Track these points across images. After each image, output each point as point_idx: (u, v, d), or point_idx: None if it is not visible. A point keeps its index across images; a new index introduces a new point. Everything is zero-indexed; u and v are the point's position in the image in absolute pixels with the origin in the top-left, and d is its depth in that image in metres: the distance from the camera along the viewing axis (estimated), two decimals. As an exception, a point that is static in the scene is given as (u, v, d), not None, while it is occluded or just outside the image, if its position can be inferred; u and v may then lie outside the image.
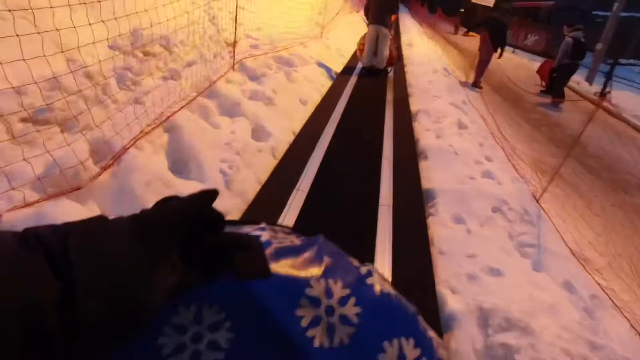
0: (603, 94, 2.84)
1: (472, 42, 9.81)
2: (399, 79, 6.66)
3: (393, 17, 6.46)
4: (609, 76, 8.37)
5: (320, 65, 5.75)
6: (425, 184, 3.08)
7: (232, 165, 2.51)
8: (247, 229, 0.34)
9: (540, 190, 3.26)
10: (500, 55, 7.20)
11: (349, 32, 9.84)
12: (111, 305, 0.23)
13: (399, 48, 6.93)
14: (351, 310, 0.31)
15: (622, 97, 8.29)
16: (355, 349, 0.30)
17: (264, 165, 2.84)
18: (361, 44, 6.41)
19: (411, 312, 0.36)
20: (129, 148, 2.00)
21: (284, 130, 3.47)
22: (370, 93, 5.45)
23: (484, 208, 2.72)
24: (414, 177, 3.14)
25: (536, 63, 12.34)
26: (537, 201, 3.08)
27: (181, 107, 2.66)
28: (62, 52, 2.00)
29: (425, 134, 4.09)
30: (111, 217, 0.26)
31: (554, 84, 7.71)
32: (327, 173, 2.90)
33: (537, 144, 4.97)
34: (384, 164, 3.23)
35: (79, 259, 0.23)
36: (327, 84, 5.33)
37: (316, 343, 0.28)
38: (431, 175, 3.21)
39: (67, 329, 0.22)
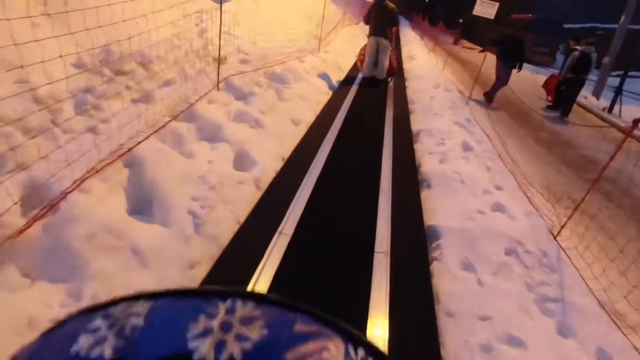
0: (636, 122, 2.48)
1: (475, 55, 9.54)
2: (399, 94, 6.35)
3: (394, 30, 6.55)
4: (618, 90, 8.04)
5: (316, 80, 5.46)
6: (429, 219, 2.72)
7: (205, 204, 2.17)
8: (200, 322, 0.28)
9: (558, 224, 2.90)
10: (520, 69, 6.99)
11: (348, 44, 9.60)
12: None
13: (398, 59, 6.88)
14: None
15: (632, 111, 7.96)
16: None
17: (245, 199, 2.50)
18: (361, 55, 6.49)
19: None
20: (70, 191, 1.66)
21: (271, 156, 3.14)
22: (368, 110, 5.14)
23: (496, 251, 2.35)
24: (415, 214, 2.79)
25: (539, 76, 12.08)
26: (555, 238, 2.72)
27: (149, 135, 2.33)
28: (13, 70, 1.68)
29: (427, 158, 3.75)
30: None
31: (561, 99, 7.40)
32: (315, 211, 2.55)
33: (549, 167, 4.62)
34: (382, 198, 2.87)
35: None
36: (322, 100, 5.01)
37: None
38: (435, 208, 2.85)
39: None
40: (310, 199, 2.69)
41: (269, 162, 3.05)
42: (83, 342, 0.27)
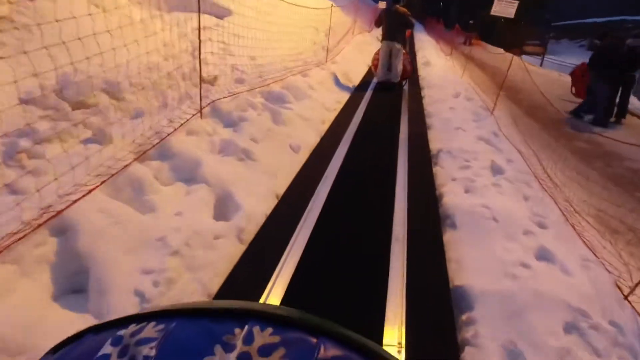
0: None
1: (497, 58, 8.85)
2: (414, 106, 5.77)
3: (408, 33, 6.68)
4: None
5: (322, 96, 4.95)
6: (455, 277, 2.13)
7: (161, 278, 1.67)
8: (217, 354, 0.27)
9: (626, 273, 2.26)
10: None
11: (359, 53, 9.10)
12: None
13: (412, 62, 6.96)
14: None
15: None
16: None
17: (221, 261, 1.99)
18: (375, 59, 6.65)
19: None
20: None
21: (262, 196, 2.63)
22: (379, 128, 4.58)
23: (552, 329, 1.74)
24: (437, 270, 2.20)
25: (566, 76, 11.20)
26: (627, 298, 2.08)
27: (93, 188, 1.85)
28: None
29: (450, 186, 3.15)
30: None
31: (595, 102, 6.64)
32: (310, 272, 2.01)
33: (594, 186, 3.92)
34: (395, 249, 2.30)
35: None
36: (328, 119, 4.50)
37: None
38: (462, 259, 2.26)
39: None
40: (306, 253, 2.15)
41: (258, 204, 2.54)
42: None
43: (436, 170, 3.57)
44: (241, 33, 5.35)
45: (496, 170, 3.54)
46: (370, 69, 8.32)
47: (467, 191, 3.06)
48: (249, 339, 0.27)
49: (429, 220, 2.72)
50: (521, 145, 4.56)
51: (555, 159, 4.52)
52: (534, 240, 2.42)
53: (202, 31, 5.15)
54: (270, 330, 0.28)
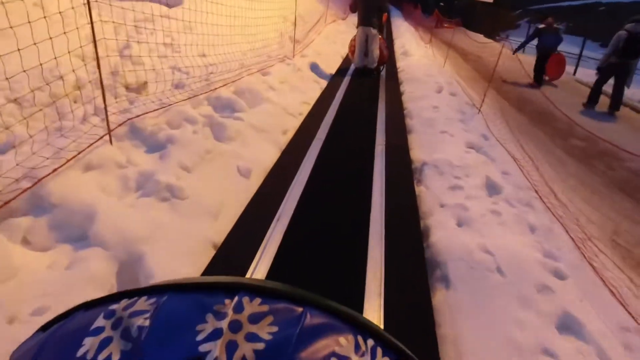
0: None
1: (479, 46, 8.27)
2: (393, 104, 5.10)
3: (384, 17, 6.55)
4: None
5: (285, 99, 4.23)
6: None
7: None
8: (209, 322, 0.29)
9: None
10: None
11: (331, 43, 8.35)
12: None
13: (388, 47, 6.89)
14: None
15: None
16: None
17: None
18: (352, 45, 6.62)
19: None
20: None
21: (190, 252, 1.93)
22: (353, 135, 3.91)
23: None
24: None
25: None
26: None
27: None
28: None
29: (438, 216, 2.52)
30: None
31: (594, 88, 6.17)
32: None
33: (600, 198, 3.38)
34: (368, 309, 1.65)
35: None
36: (291, 127, 3.79)
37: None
38: (461, 338, 1.63)
39: None
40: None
41: (183, 266, 1.84)
42: (88, 345, 0.27)
43: (420, 191, 2.93)
44: (194, 25, 4.56)
45: (492, 188, 2.94)
46: (343, 61, 7.62)
47: (460, 224, 2.43)
48: (239, 308, 0.29)
49: (412, 272, 2.07)
50: (515, 148, 3.99)
51: (553, 162, 3.97)
52: (552, 303, 1.81)
53: (142, 23, 4.34)
54: (258, 300, 0.29)
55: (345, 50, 8.45)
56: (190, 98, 3.22)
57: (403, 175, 3.15)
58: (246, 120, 3.26)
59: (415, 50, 9.05)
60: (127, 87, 2.95)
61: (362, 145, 3.64)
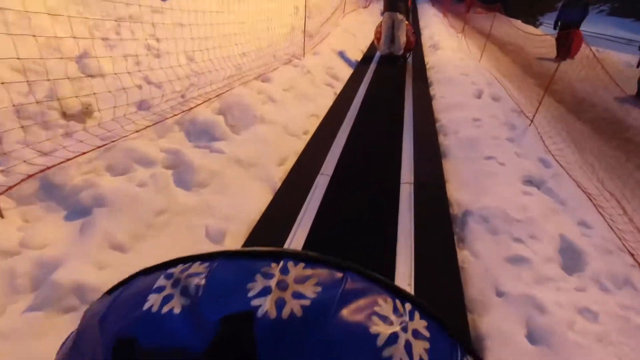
0: None
1: (519, 35, 7.09)
2: (422, 116, 4.16)
3: (409, 2, 6.35)
4: None
5: (286, 114, 3.40)
6: None
7: None
8: (258, 282, 0.32)
9: None
10: None
11: (351, 37, 7.39)
12: None
13: (415, 33, 6.58)
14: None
15: None
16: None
17: None
18: (377, 32, 6.44)
19: None
20: None
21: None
22: (369, 168, 3.03)
23: None
24: None
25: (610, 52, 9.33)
26: None
27: None
28: None
29: (494, 317, 1.65)
30: None
31: None
32: None
33: None
34: None
35: None
36: (293, 152, 2.97)
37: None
38: None
39: None
40: None
41: None
42: (152, 300, 0.31)
43: (464, 260, 2.05)
44: (186, 21, 3.79)
45: (569, 259, 2.03)
46: (363, 56, 6.69)
47: (531, 338, 1.55)
48: (285, 271, 0.32)
49: None
50: (586, 175, 3.02)
51: (632, 188, 2.97)
52: None
53: (124, 23, 3.61)
54: (302, 265, 0.33)
55: (366, 44, 7.50)
56: (156, 123, 2.45)
57: (439, 235, 2.25)
58: (228, 151, 2.46)
59: (446, 42, 7.94)
60: (66, 114, 2.20)
61: (381, 182, 2.76)
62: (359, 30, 8.08)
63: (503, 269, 1.92)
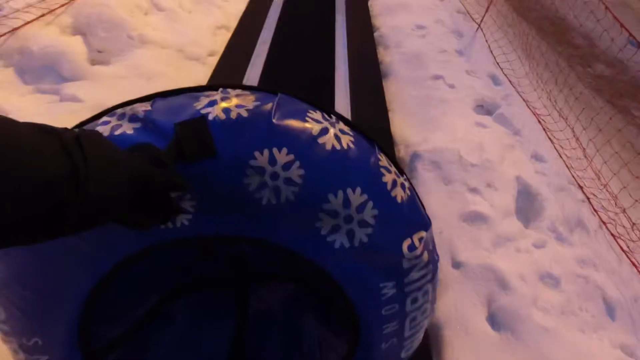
0: None
1: None
2: (358, 23, 3.43)
3: None
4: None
5: (183, 28, 2.50)
6: None
7: None
8: (202, 100, 0.40)
9: None
10: None
11: None
12: (111, 185, 0.30)
13: None
14: (295, 172, 0.39)
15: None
16: (300, 203, 0.40)
17: None
18: None
19: (367, 162, 0.45)
20: None
21: None
22: (296, 88, 2.42)
23: None
24: None
25: None
26: None
27: None
28: None
29: (454, 293, 1.37)
30: None
31: None
32: None
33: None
34: None
35: (88, 144, 0.30)
36: (198, 81, 2.23)
37: (264, 202, 0.38)
38: None
39: (75, 199, 0.28)
40: None
41: None
42: (100, 130, 0.37)
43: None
44: None
45: (527, 206, 1.79)
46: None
47: (493, 321, 1.32)
48: (225, 92, 0.40)
49: None
50: (537, 94, 2.73)
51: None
52: None
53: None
54: (239, 90, 0.41)
55: None
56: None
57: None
58: (88, 98, 1.69)
59: None
60: None
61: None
62: None
63: (459, 230, 1.62)
